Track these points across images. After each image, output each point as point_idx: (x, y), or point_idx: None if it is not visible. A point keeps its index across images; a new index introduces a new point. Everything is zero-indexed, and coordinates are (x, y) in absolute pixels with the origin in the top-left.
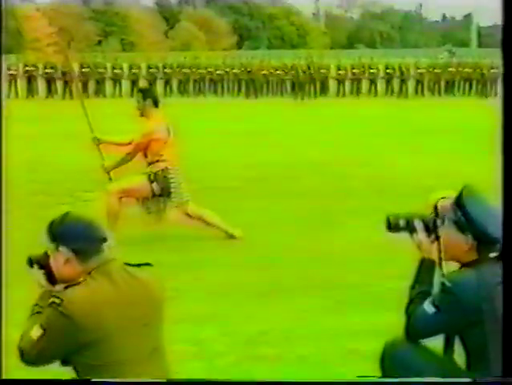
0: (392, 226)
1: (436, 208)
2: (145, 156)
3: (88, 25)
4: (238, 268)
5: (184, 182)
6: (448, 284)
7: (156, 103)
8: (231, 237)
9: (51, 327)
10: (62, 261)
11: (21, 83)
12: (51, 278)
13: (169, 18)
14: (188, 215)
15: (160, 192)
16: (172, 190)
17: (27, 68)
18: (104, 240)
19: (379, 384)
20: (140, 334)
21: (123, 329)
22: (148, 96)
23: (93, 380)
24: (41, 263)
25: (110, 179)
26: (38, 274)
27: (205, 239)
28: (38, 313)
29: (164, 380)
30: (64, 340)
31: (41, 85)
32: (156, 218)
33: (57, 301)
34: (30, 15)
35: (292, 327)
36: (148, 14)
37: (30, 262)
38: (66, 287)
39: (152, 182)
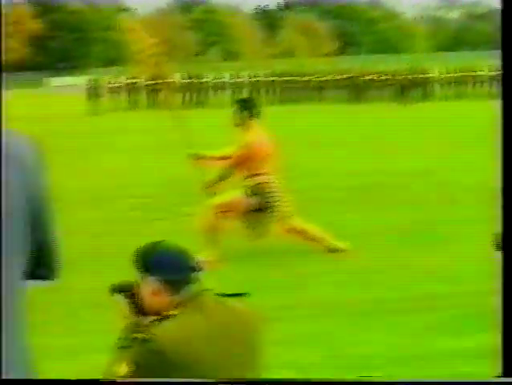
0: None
1: None
2: (244, 169)
3: (189, 34)
4: (342, 285)
5: (287, 194)
6: None
7: (255, 114)
8: (336, 250)
9: (142, 364)
10: (150, 291)
11: (123, 95)
12: (136, 309)
13: (270, 25)
14: (291, 229)
15: (260, 206)
16: (272, 204)
17: (129, 80)
18: (197, 270)
19: (380, 384)
20: (235, 369)
21: (218, 365)
22: (246, 107)
23: (96, 379)
24: (126, 292)
25: (214, 193)
26: (122, 303)
27: (308, 254)
28: (125, 347)
29: (171, 380)
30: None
31: (143, 96)
32: (258, 233)
33: (147, 337)
34: (132, 27)
35: (398, 350)
36: (249, 21)
37: (113, 290)
38: (154, 320)
39: (250, 196)
